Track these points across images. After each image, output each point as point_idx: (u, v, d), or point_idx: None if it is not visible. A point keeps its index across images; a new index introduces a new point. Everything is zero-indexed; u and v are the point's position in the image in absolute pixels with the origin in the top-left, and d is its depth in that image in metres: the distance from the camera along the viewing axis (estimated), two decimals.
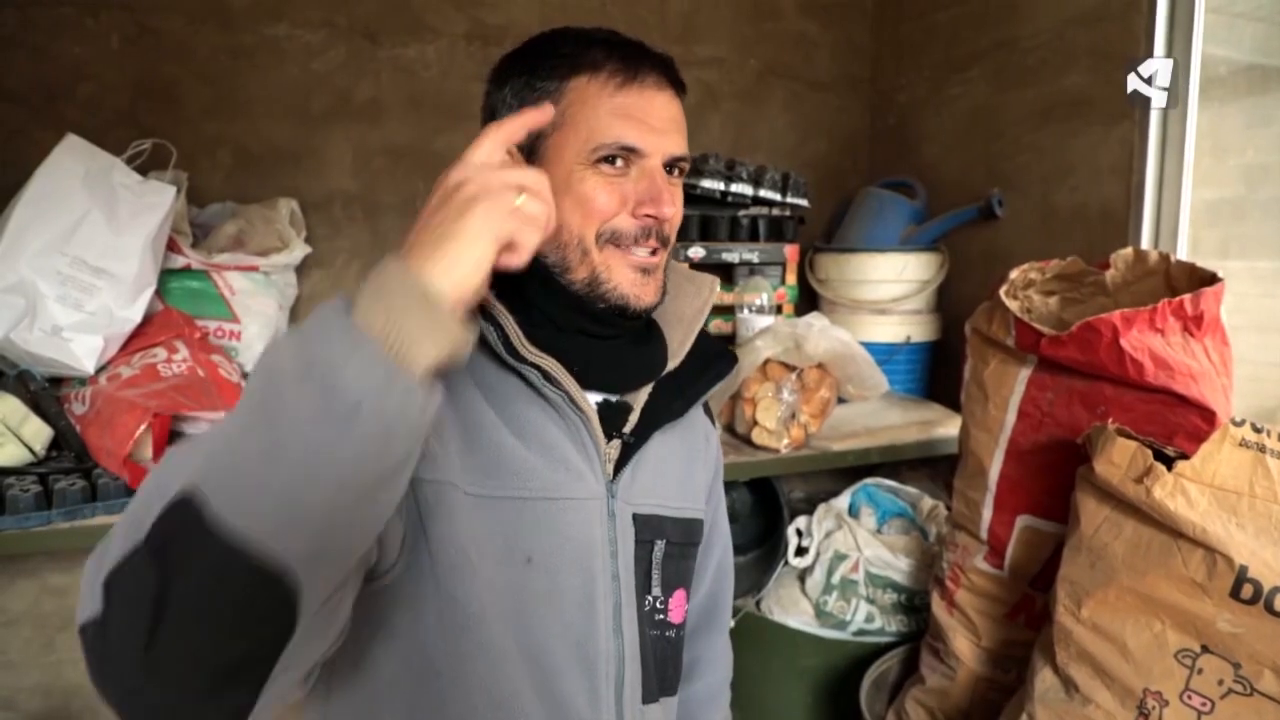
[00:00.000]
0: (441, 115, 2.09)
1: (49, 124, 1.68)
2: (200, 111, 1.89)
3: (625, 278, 0.86)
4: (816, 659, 1.78)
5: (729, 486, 1.66)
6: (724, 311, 2.06)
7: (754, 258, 2.12)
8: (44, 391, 1.38)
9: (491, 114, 0.91)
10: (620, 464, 0.90)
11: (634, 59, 0.85)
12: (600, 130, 0.83)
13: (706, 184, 2.00)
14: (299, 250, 1.78)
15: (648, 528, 0.92)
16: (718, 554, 1.11)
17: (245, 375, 1.64)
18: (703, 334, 0.97)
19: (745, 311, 2.02)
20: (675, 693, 0.99)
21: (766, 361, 1.69)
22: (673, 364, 0.95)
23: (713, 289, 0.98)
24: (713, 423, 1.12)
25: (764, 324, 1.90)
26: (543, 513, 0.83)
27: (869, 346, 1.81)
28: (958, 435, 1.57)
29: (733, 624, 1.18)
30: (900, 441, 1.86)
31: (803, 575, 1.84)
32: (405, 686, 0.82)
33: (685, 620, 0.99)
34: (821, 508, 1.88)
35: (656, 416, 0.93)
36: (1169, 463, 1.10)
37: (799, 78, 2.51)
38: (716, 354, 0.99)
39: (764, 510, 2.03)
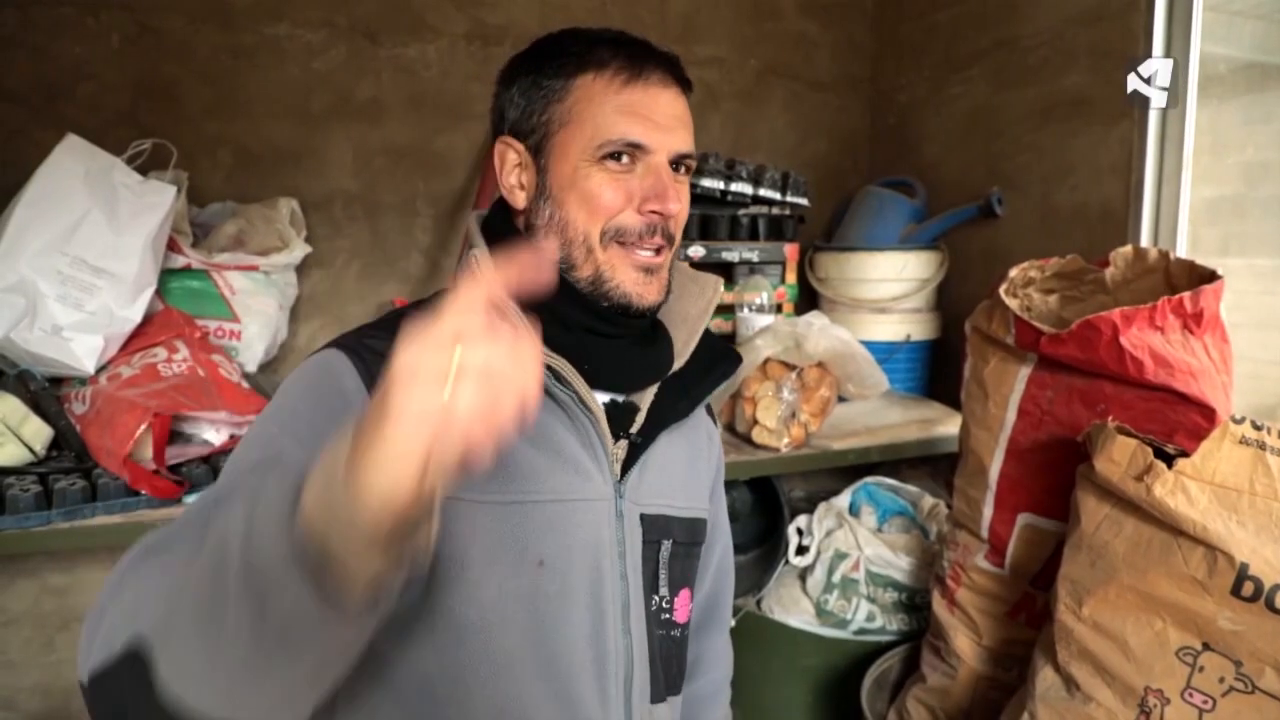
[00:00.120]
0: (442, 115, 2.10)
1: (49, 124, 1.68)
2: (201, 111, 1.89)
3: (628, 276, 0.86)
4: (817, 658, 1.78)
5: (729, 485, 1.66)
6: (724, 310, 2.06)
7: (754, 257, 2.12)
8: (44, 391, 1.38)
9: (500, 114, 0.90)
10: (627, 464, 0.90)
11: (639, 56, 0.85)
12: (605, 127, 0.83)
13: (706, 183, 2.01)
14: (299, 250, 1.78)
15: (655, 528, 0.92)
16: (719, 553, 1.11)
17: (245, 375, 1.64)
18: (707, 334, 0.98)
19: (745, 310, 2.02)
20: (680, 692, 0.99)
21: (766, 360, 1.69)
22: (678, 364, 0.95)
23: (717, 289, 0.98)
24: (714, 422, 1.12)
25: (764, 323, 1.90)
26: (553, 515, 0.83)
27: (869, 345, 1.81)
28: (958, 434, 1.57)
29: (733, 623, 1.18)
30: (900, 440, 1.86)
31: (803, 574, 1.84)
32: (404, 699, 0.82)
33: (690, 619, 0.99)
34: (822, 506, 1.88)
35: (663, 416, 0.93)
36: (1169, 460, 1.09)
37: (799, 77, 2.51)
38: (721, 354, 0.99)
39: (764, 509, 2.03)
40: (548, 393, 0.84)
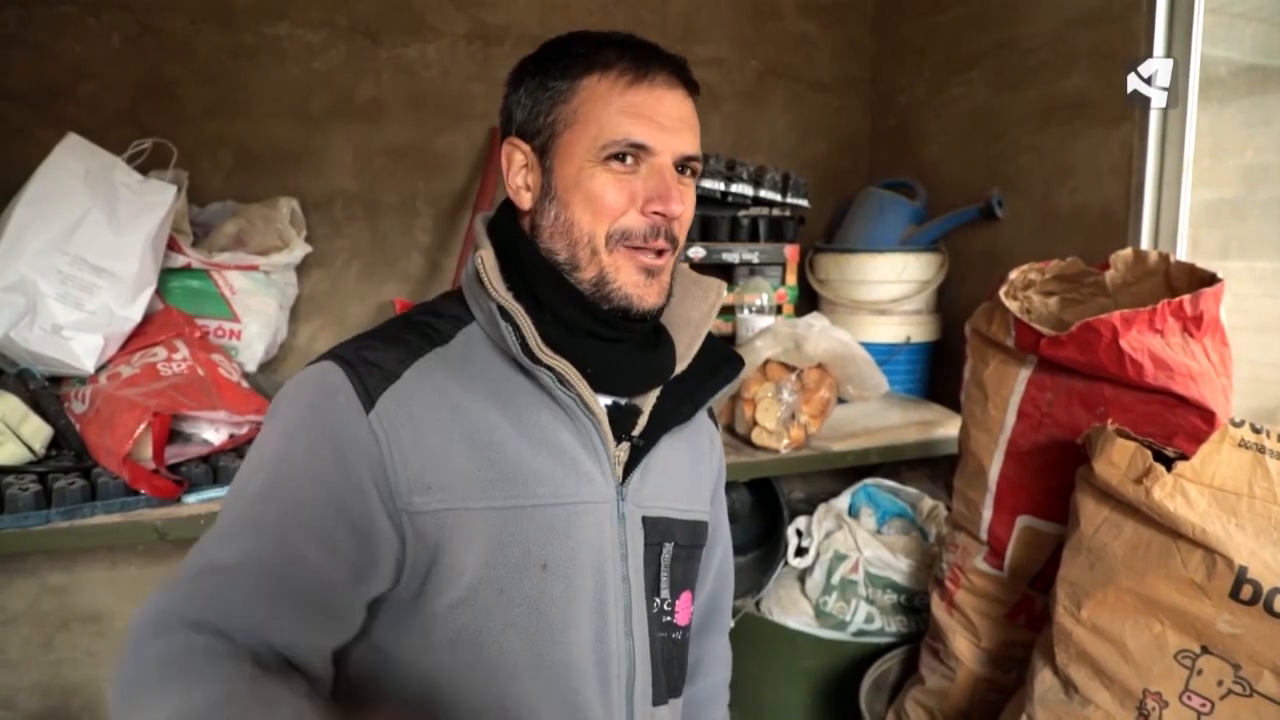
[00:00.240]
0: (442, 115, 2.10)
1: (50, 123, 1.68)
2: (201, 111, 1.89)
3: (630, 279, 0.86)
4: (816, 660, 1.77)
5: (729, 487, 1.66)
6: (724, 312, 2.05)
7: (754, 258, 2.12)
8: (44, 390, 1.39)
9: (508, 115, 0.90)
10: (629, 467, 0.90)
11: (645, 58, 0.85)
12: (610, 128, 0.83)
13: (707, 184, 2.01)
14: (299, 249, 1.78)
15: (657, 530, 0.92)
16: (719, 555, 1.11)
17: (245, 375, 1.64)
18: (710, 337, 0.97)
19: (745, 312, 2.02)
20: (681, 694, 0.99)
21: (766, 362, 1.69)
22: (680, 367, 0.95)
23: (720, 293, 0.98)
24: (716, 425, 1.12)
25: (764, 324, 1.90)
26: (555, 518, 0.84)
27: (869, 347, 1.81)
28: (957, 436, 1.57)
29: (732, 624, 1.18)
30: (900, 442, 1.86)
31: (802, 576, 1.84)
32: (406, 697, 0.82)
33: (690, 622, 0.99)
34: (821, 508, 1.88)
35: (665, 419, 0.93)
36: (1168, 463, 1.10)
37: (800, 78, 2.51)
38: (724, 357, 0.99)
39: (764, 510, 2.03)
40: (550, 395, 0.84)
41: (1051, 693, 1.20)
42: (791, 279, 2.19)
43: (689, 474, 1.00)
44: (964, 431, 1.53)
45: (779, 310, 2.11)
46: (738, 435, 1.75)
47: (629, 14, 2.24)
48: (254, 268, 1.70)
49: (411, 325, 0.87)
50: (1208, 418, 1.23)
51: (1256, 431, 1.09)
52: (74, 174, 1.41)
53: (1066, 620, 1.18)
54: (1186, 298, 1.24)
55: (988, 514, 1.45)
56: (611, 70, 0.84)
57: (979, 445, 1.47)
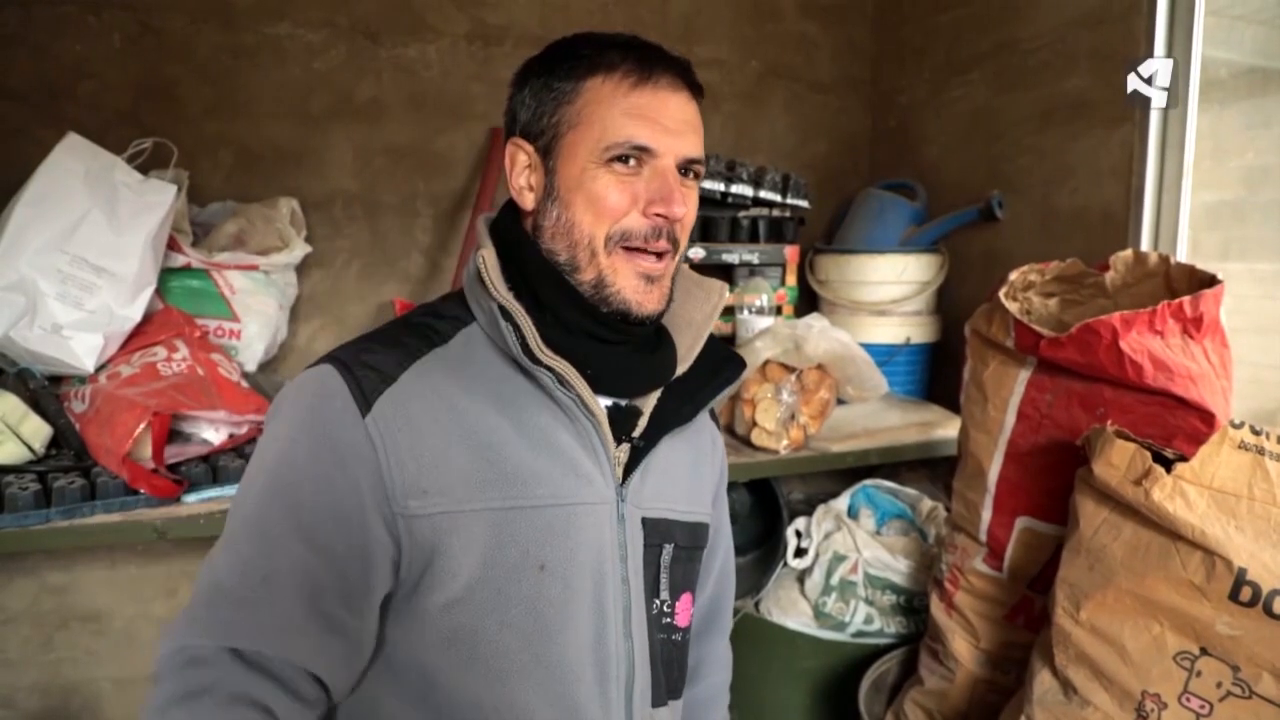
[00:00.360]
0: (442, 115, 2.10)
1: (50, 122, 1.68)
2: (201, 111, 1.89)
3: (629, 284, 0.85)
4: (815, 660, 1.77)
5: (728, 487, 1.66)
6: (724, 312, 2.05)
7: (754, 259, 2.12)
8: (43, 389, 1.39)
9: (513, 115, 0.90)
10: (629, 468, 0.90)
11: (649, 60, 0.85)
12: (613, 129, 0.83)
13: (707, 185, 2.01)
14: (299, 249, 1.78)
15: (656, 531, 0.92)
16: (720, 557, 1.11)
17: (245, 374, 1.64)
18: (711, 339, 0.98)
19: (745, 312, 2.02)
20: (680, 696, 0.99)
21: (766, 363, 1.69)
22: (681, 369, 0.95)
23: (722, 294, 0.98)
24: (717, 425, 1.12)
25: (764, 325, 1.90)
26: (554, 519, 0.84)
27: (869, 348, 1.81)
28: (957, 437, 1.57)
29: (731, 625, 1.18)
30: (899, 443, 1.86)
31: (802, 576, 1.83)
32: (406, 694, 0.83)
33: (690, 623, 0.99)
34: (821, 509, 1.88)
35: (665, 421, 0.93)
36: (1168, 465, 1.09)
37: (800, 79, 2.51)
38: (725, 359, 0.99)
39: (763, 511, 2.03)
40: (549, 395, 0.84)
41: (1050, 694, 1.20)
42: (791, 280, 2.19)
43: (689, 475, 1.00)
44: (963, 432, 1.53)
45: (779, 311, 2.11)
46: (737, 436, 1.75)
47: (629, 14, 2.24)
48: (254, 268, 1.71)
49: (411, 327, 0.88)
50: (1207, 419, 1.23)
51: (1256, 433, 1.09)
52: (74, 174, 1.41)
53: (1065, 621, 1.18)
54: (1186, 299, 1.24)
55: (987, 515, 1.45)
56: (616, 72, 0.84)
57: (978, 446, 1.47)
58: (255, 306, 1.71)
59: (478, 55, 2.11)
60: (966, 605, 1.48)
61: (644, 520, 0.91)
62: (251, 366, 1.73)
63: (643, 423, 0.91)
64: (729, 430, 1.77)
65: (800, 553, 1.83)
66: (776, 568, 1.85)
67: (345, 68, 2.00)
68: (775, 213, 2.15)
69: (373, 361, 0.82)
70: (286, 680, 0.75)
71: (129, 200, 1.45)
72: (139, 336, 1.50)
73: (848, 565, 1.77)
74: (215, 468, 1.37)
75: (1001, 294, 1.42)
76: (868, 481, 1.93)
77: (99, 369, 1.45)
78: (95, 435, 1.32)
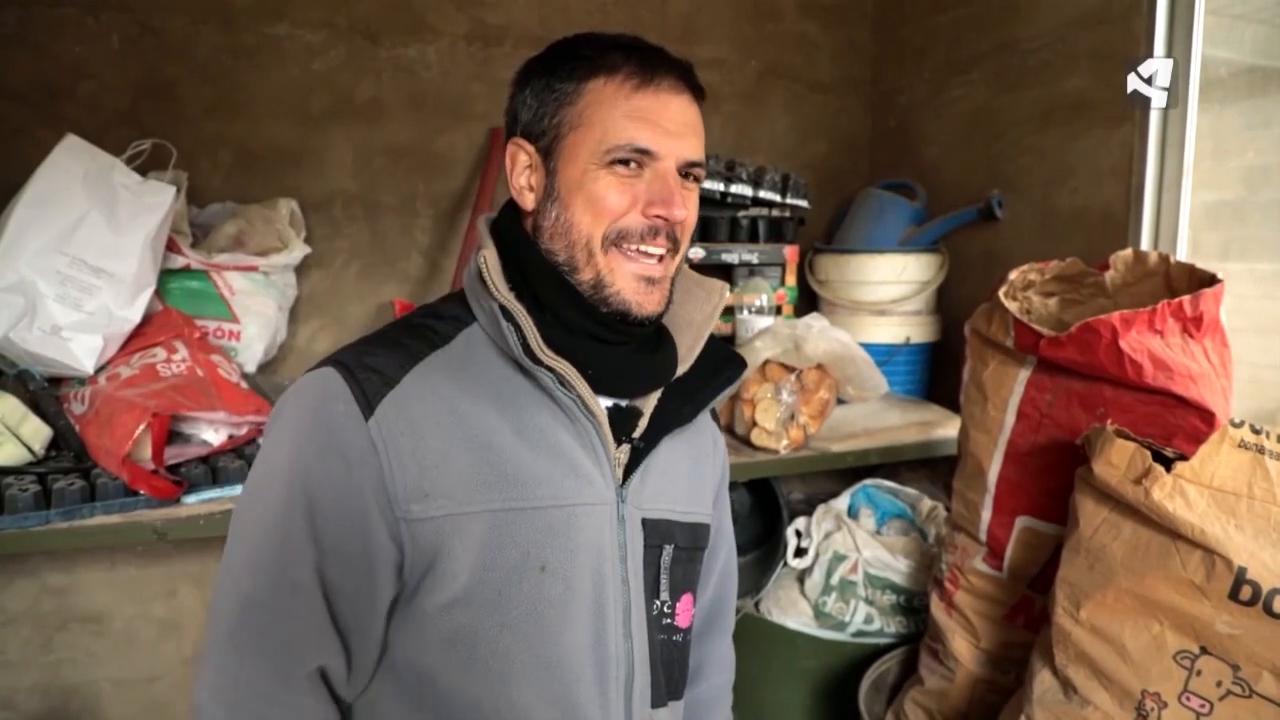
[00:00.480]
0: (442, 115, 2.10)
1: (49, 123, 1.68)
2: (201, 111, 1.89)
3: (628, 285, 0.85)
4: (815, 660, 1.77)
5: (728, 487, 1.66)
6: (724, 312, 2.05)
7: (754, 259, 2.12)
8: (43, 391, 1.39)
9: (514, 115, 0.90)
10: (629, 469, 0.90)
11: (651, 62, 0.85)
12: (614, 131, 0.83)
13: (706, 184, 2.01)
14: (299, 250, 1.78)
15: (656, 532, 0.92)
16: (722, 558, 1.11)
17: (244, 375, 1.64)
18: (712, 339, 0.97)
19: (745, 312, 2.02)
20: (681, 696, 0.99)
21: (766, 362, 1.69)
22: (682, 369, 0.95)
23: (722, 294, 0.98)
24: (718, 425, 1.12)
25: (763, 325, 1.90)
26: (554, 520, 0.84)
27: (868, 348, 1.81)
28: (957, 436, 1.57)
29: (733, 625, 1.18)
30: (899, 443, 1.85)
31: (802, 576, 1.83)
32: (405, 692, 0.83)
33: (692, 624, 0.99)
34: (821, 509, 1.88)
35: (666, 421, 0.93)
36: (1168, 464, 1.09)
37: (800, 79, 2.51)
38: (725, 359, 0.99)
39: (763, 511, 2.03)
40: (550, 396, 0.84)
41: (1050, 693, 1.20)
42: (791, 280, 2.19)
43: (690, 476, 1.00)
44: (963, 432, 1.53)
45: (778, 311, 2.11)
46: (737, 436, 1.75)
47: (628, 14, 2.24)
48: (253, 268, 1.70)
49: (411, 328, 0.88)
50: (1207, 418, 1.23)
51: (1256, 432, 1.09)
52: (73, 175, 1.41)
53: (1065, 621, 1.18)
54: (1186, 298, 1.24)
55: (987, 515, 1.45)
56: (618, 74, 0.84)
57: (978, 446, 1.47)
58: (255, 307, 1.71)
59: (477, 55, 2.11)
60: (966, 605, 1.48)
61: (644, 521, 0.91)
62: (251, 367, 1.73)
63: (643, 423, 0.91)
64: (729, 430, 1.77)
65: (800, 552, 1.83)
66: (776, 567, 1.85)
67: (345, 68, 2.00)
68: (775, 213, 2.15)
69: (375, 364, 0.82)
70: (322, 689, 0.80)
71: (128, 201, 1.45)
72: (138, 338, 1.50)
73: (848, 565, 1.77)
74: (215, 469, 1.37)
75: (1001, 293, 1.42)
76: (868, 481, 1.93)
77: (98, 370, 1.45)
78: (95, 436, 1.32)
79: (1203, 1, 1.66)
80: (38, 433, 1.34)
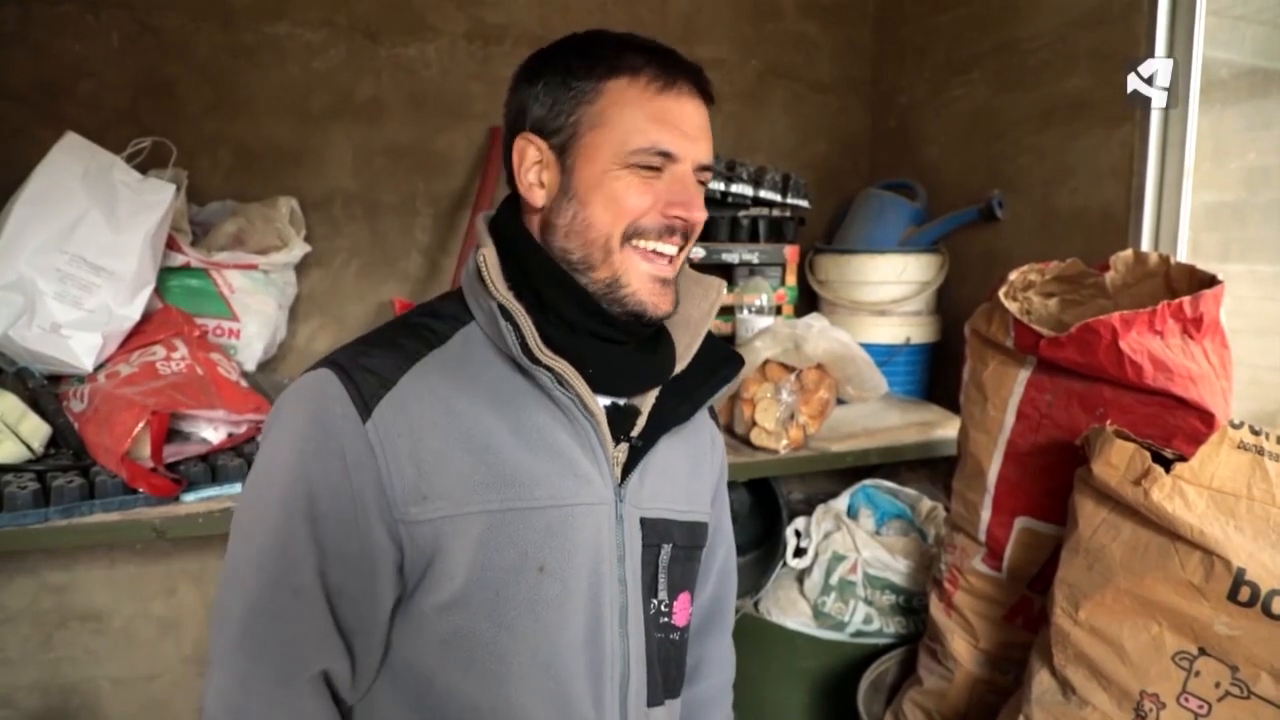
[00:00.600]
0: (442, 114, 2.09)
1: (49, 121, 1.68)
2: (201, 110, 1.89)
3: (644, 285, 0.86)
4: (814, 660, 1.77)
5: (728, 487, 1.66)
6: (724, 312, 2.05)
7: (754, 258, 2.12)
8: (42, 389, 1.39)
9: (520, 110, 0.89)
10: (628, 468, 0.90)
11: (671, 66, 0.86)
12: (638, 133, 0.83)
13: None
14: (298, 249, 1.78)
15: (655, 531, 0.92)
16: (721, 556, 1.11)
17: (244, 374, 1.64)
18: (709, 337, 0.98)
19: (745, 312, 2.02)
20: (679, 695, 0.99)
21: (766, 362, 1.69)
22: (680, 367, 0.95)
23: (720, 292, 0.98)
24: (717, 425, 1.12)
25: (763, 325, 1.90)
26: (552, 520, 0.84)
27: (868, 348, 1.81)
28: (957, 437, 1.57)
29: (733, 624, 1.18)
30: (899, 443, 1.85)
31: (801, 576, 1.83)
32: (403, 691, 0.83)
33: (689, 623, 0.99)
34: (820, 509, 1.88)
35: (664, 420, 0.93)
36: (1167, 465, 1.09)
37: (800, 79, 2.51)
38: (723, 357, 0.99)
39: (762, 511, 2.03)
40: (548, 395, 0.84)
41: (1049, 694, 1.20)
42: (791, 279, 2.18)
43: (688, 474, 1.00)
44: (963, 432, 1.53)
45: (778, 311, 2.11)
46: (737, 435, 1.75)
47: (628, 13, 2.24)
48: (253, 267, 1.70)
49: (409, 328, 0.87)
50: (1207, 419, 1.23)
51: (1256, 433, 1.09)
52: (73, 173, 1.41)
53: (1064, 621, 1.18)
54: (1186, 299, 1.24)
55: (986, 515, 1.45)
56: (640, 76, 0.84)
57: (978, 446, 1.47)
58: (254, 306, 1.71)
59: (477, 55, 2.11)
60: (965, 605, 1.48)
61: (642, 520, 0.91)
62: (250, 366, 1.73)
63: (641, 422, 0.91)
64: (728, 430, 1.77)
65: (800, 552, 1.83)
66: (776, 567, 1.85)
67: (345, 67, 2.00)
68: (775, 212, 2.15)
69: (371, 365, 0.82)
70: (325, 692, 0.81)
71: (128, 199, 1.45)
72: (138, 336, 1.50)
73: (847, 565, 1.77)
74: (214, 467, 1.37)
75: (1001, 294, 1.42)
76: (867, 481, 1.93)
77: (98, 368, 1.44)
78: (94, 434, 1.32)
79: (1203, 2, 1.66)
80: (37, 430, 1.34)
